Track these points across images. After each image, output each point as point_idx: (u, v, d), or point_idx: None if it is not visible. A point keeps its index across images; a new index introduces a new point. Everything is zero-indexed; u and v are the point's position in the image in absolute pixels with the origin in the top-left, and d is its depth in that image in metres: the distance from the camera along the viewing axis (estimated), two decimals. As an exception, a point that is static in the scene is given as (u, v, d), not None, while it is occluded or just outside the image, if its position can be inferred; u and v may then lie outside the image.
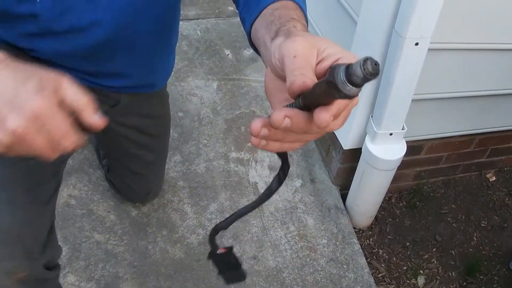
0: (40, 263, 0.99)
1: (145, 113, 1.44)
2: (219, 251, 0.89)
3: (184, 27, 2.73)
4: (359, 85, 0.43)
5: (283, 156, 0.65)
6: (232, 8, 3.05)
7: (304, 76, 0.50)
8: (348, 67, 0.43)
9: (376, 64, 0.42)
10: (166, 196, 1.94)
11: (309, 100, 0.50)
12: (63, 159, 1.18)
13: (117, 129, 1.43)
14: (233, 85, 2.47)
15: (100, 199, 1.90)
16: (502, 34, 1.69)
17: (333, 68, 0.45)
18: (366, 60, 0.42)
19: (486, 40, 1.68)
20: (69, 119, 0.60)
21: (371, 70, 0.42)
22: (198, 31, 2.75)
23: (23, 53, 1.09)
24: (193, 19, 2.84)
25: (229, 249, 0.90)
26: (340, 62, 0.52)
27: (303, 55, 0.53)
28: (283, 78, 0.56)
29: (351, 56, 0.53)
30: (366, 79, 0.43)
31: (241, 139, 2.21)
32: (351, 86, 0.44)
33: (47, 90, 0.58)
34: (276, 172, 0.68)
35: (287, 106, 0.54)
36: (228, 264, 0.93)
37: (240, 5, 0.86)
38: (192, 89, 2.40)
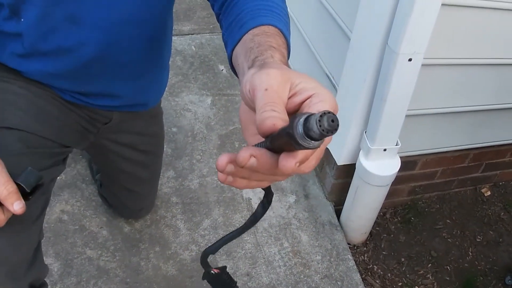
0: (25, 283, 0.98)
1: (138, 130, 1.44)
2: (213, 271, 0.89)
3: (178, 42, 2.73)
4: (317, 140, 0.43)
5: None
6: (226, 23, 3.05)
7: (274, 118, 0.49)
8: (306, 120, 0.42)
9: (333, 120, 0.41)
10: (159, 212, 1.93)
11: (274, 143, 0.49)
12: (52, 178, 1.17)
13: (109, 146, 1.42)
14: (227, 101, 2.46)
15: (93, 215, 1.88)
16: (496, 49, 1.69)
17: (293, 118, 0.44)
18: (322, 115, 0.41)
19: (479, 55, 1.68)
20: None
21: (326, 127, 0.41)
22: (192, 46, 2.75)
23: (16, 72, 1.09)
24: (188, 34, 2.84)
25: (223, 269, 0.90)
26: (313, 99, 0.51)
27: (275, 89, 0.51)
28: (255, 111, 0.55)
29: (326, 93, 0.52)
30: (323, 136, 0.42)
31: (235, 154, 2.19)
32: (309, 140, 0.43)
33: None
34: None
35: (256, 145, 0.52)
36: (222, 284, 0.93)
37: (223, 27, 0.85)
38: (186, 104, 2.39)
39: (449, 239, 2.10)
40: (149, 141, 1.51)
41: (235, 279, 0.93)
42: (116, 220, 1.88)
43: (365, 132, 1.71)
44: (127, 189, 1.63)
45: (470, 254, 2.06)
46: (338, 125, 0.42)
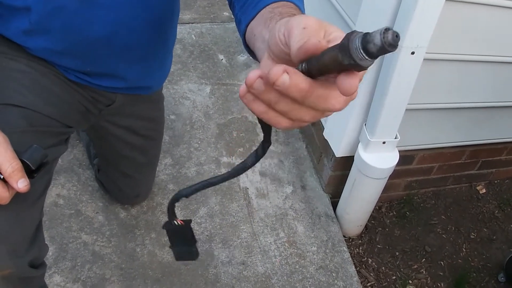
0: (25, 261, 0.98)
1: (140, 114, 1.43)
2: (176, 222, 0.83)
3: (178, 30, 2.70)
4: (373, 56, 0.40)
5: (267, 130, 0.60)
6: (227, 13, 3.05)
7: (317, 39, 0.46)
8: (367, 34, 0.40)
9: (397, 36, 0.39)
10: (155, 198, 1.92)
11: (313, 66, 0.46)
12: (54, 158, 1.16)
13: (110, 129, 1.41)
14: (226, 90, 2.46)
15: (89, 200, 1.88)
16: (498, 47, 1.70)
17: (349, 34, 0.42)
18: (387, 29, 0.39)
19: (482, 52, 1.69)
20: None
21: (390, 41, 0.39)
22: (192, 35, 2.75)
23: (21, 49, 1.08)
24: (188, 23, 2.83)
25: (187, 222, 0.85)
26: None
27: (314, 28, 0.49)
28: (282, 61, 0.53)
29: None
30: (383, 50, 0.39)
31: (233, 144, 2.20)
32: (364, 55, 0.41)
33: None
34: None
35: None
36: (183, 239, 0.88)
37: (236, 8, 0.85)
38: (185, 93, 2.39)
39: (443, 235, 2.11)
40: (150, 126, 1.51)
41: (196, 238, 0.87)
42: (112, 206, 1.87)
43: (365, 124, 1.72)
44: (125, 174, 1.63)
45: (464, 250, 2.07)
46: (398, 44, 0.39)
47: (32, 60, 1.10)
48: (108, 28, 1.05)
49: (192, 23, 2.85)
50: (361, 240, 2.03)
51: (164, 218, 1.84)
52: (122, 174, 1.63)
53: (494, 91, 1.88)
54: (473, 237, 2.13)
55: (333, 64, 0.44)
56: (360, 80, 0.47)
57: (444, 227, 2.14)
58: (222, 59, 2.65)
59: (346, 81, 0.43)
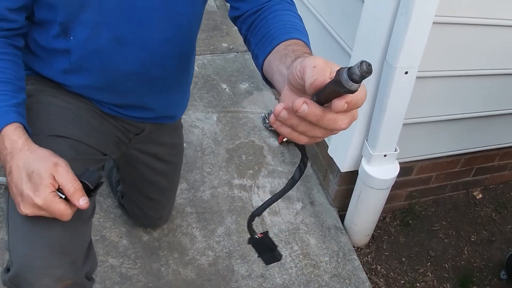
0: (83, 272, 1.11)
1: (164, 141, 1.58)
2: (257, 236, 0.99)
3: (182, 63, 2.89)
4: (357, 82, 0.57)
5: (302, 149, 0.80)
6: (225, 44, 3.22)
7: (322, 78, 0.63)
8: (349, 69, 0.57)
9: (369, 65, 0.56)
10: (175, 221, 2.05)
11: (321, 96, 0.63)
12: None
13: (138, 155, 1.56)
14: (232, 117, 2.61)
15: (112, 226, 2.00)
16: (483, 61, 1.86)
17: (338, 71, 0.58)
18: (362, 62, 0.55)
19: (468, 67, 1.84)
20: (62, 199, 0.95)
21: (365, 69, 0.55)
22: (195, 67, 2.90)
23: (60, 86, 1.23)
24: (190, 56, 2.99)
25: (266, 234, 1.00)
26: None
27: (322, 67, 0.65)
28: (299, 89, 0.70)
29: None
30: (362, 77, 0.56)
31: (243, 166, 2.34)
32: (352, 82, 0.57)
33: (42, 187, 0.92)
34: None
35: None
36: (265, 247, 1.03)
37: (252, 44, 1.03)
38: (193, 121, 2.54)
39: (445, 239, 2.25)
40: (172, 151, 1.66)
41: (276, 244, 1.03)
42: (135, 230, 2.00)
43: (367, 140, 1.87)
44: (149, 198, 1.77)
45: (466, 252, 2.21)
46: (372, 69, 0.56)
47: (70, 96, 1.25)
48: (139, 65, 1.20)
49: (194, 55, 3.01)
50: (369, 249, 2.16)
51: (184, 239, 1.98)
52: (147, 197, 1.76)
53: (483, 102, 2.03)
54: (473, 239, 2.27)
55: (333, 94, 0.61)
56: (360, 105, 0.64)
57: (445, 232, 2.28)
58: (225, 88, 2.81)
59: (337, 103, 0.61)
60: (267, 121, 2.56)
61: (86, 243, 1.14)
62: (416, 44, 1.57)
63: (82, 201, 0.96)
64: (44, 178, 0.92)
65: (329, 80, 0.62)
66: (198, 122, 2.55)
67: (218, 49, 3.17)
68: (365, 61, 0.56)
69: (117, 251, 1.92)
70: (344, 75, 0.57)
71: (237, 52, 3.18)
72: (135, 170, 1.63)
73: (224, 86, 2.83)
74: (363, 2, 1.70)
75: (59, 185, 0.95)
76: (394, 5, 1.53)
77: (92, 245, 1.18)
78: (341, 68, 0.59)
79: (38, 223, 0.99)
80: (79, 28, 1.11)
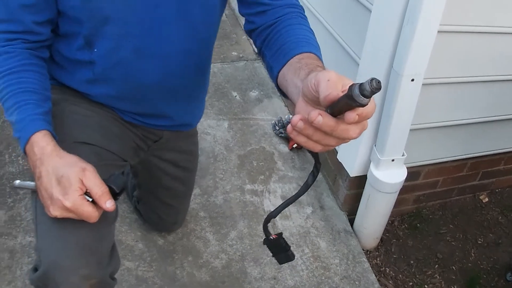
0: (108, 272, 1.17)
1: (181, 148, 1.65)
2: (272, 237, 1.05)
3: (193, 72, 2.96)
4: (368, 96, 0.63)
5: (315, 156, 0.87)
6: (235, 53, 3.29)
7: (336, 92, 0.70)
8: (361, 85, 0.63)
9: (378, 82, 0.62)
10: (189, 225, 2.12)
11: (335, 109, 0.70)
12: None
13: (155, 162, 1.63)
14: (243, 124, 2.68)
15: (128, 230, 2.07)
16: (487, 67, 1.91)
17: (350, 87, 0.65)
18: (372, 80, 0.62)
19: (473, 74, 1.90)
20: (89, 202, 1.01)
21: (375, 86, 0.62)
22: (207, 76, 2.98)
23: (83, 96, 1.30)
24: (201, 65, 3.07)
25: (280, 235, 1.06)
26: None
27: (334, 81, 0.71)
28: (313, 101, 0.77)
29: None
30: (372, 92, 0.62)
31: (254, 172, 2.41)
32: (362, 97, 0.64)
33: (71, 190, 0.98)
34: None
35: None
36: (279, 248, 1.08)
37: (267, 56, 1.11)
38: (205, 129, 2.61)
39: (452, 242, 2.30)
40: (188, 158, 1.72)
41: (289, 244, 1.08)
42: (150, 234, 2.07)
43: (375, 145, 1.93)
44: (165, 203, 1.83)
45: (473, 255, 2.25)
46: (381, 86, 0.62)
47: (93, 104, 1.32)
48: (159, 75, 1.27)
49: (205, 64, 3.08)
50: (378, 252, 2.22)
51: (198, 243, 2.04)
52: (163, 203, 1.83)
53: (488, 107, 2.08)
54: (480, 242, 2.32)
55: (345, 107, 0.68)
56: (370, 116, 0.71)
57: (452, 235, 2.33)
58: (235, 96, 2.88)
59: (349, 115, 0.67)
60: (277, 128, 2.62)
61: (110, 244, 1.20)
62: (422, 52, 1.62)
63: (108, 204, 1.02)
64: (73, 182, 0.99)
65: (341, 94, 0.68)
66: (210, 129, 2.62)
67: (228, 58, 3.25)
68: (375, 78, 0.62)
69: (133, 255, 1.98)
70: (356, 91, 0.63)
71: (247, 61, 3.25)
72: (153, 175, 1.70)
73: (235, 93, 2.90)
74: (371, 12, 1.76)
75: (86, 189, 1.01)
76: (400, 15, 1.59)
77: (115, 246, 1.24)
78: (353, 84, 0.65)
79: (66, 225, 1.05)
80: (103, 40, 1.17)
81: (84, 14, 1.12)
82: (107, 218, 1.13)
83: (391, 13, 1.63)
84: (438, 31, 1.60)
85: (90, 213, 1.00)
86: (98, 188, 1.01)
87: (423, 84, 1.72)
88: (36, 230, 1.13)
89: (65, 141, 1.14)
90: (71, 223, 1.05)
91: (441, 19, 1.56)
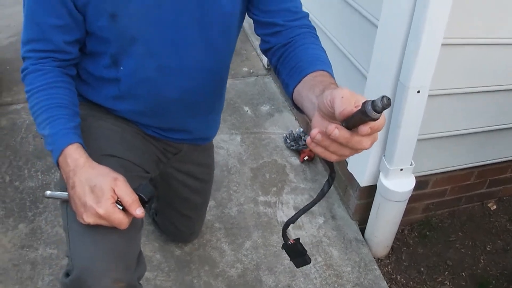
0: (135, 276, 1.24)
1: (198, 161, 1.73)
2: (290, 242, 1.13)
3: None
4: (379, 112, 0.72)
5: (330, 165, 0.96)
6: (246, 68, 3.38)
7: (350, 107, 0.78)
8: (373, 102, 0.72)
9: (389, 99, 0.71)
10: (205, 236, 2.19)
11: (349, 123, 0.78)
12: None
13: (174, 174, 1.70)
14: (255, 138, 2.76)
15: (146, 241, 2.14)
16: (491, 78, 1.97)
17: (364, 103, 0.74)
18: (383, 97, 0.71)
19: (477, 84, 1.96)
20: (120, 210, 1.08)
21: (386, 103, 0.70)
22: (218, 91, 3.06)
23: (107, 111, 1.38)
24: (213, 81, 3.16)
25: (297, 240, 1.15)
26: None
27: (348, 98, 0.80)
28: (329, 116, 0.85)
29: None
30: (384, 108, 0.71)
31: (267, 184, 2.48)
32: (375, 112, 0.72)
33: (104, 198, 1.05)
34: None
35: None
36: (296, 252, 1.17)
37: (283, 74, 1.20)
38: (218, 143, 2.69)
39: (462, 250, 2.35)
40: (205, 170, 1.80)
41: (306, 249, 1.16)
42: (168, 245, 2.14)
43: (384, 155, 1.99)
44: (182, 214, 1.91)
45: (482, 261, 2.31)
46: (391, 103, 0.71)
47: (117, 119, 1.40)
48: (181, 91, 1.35)
49: (216, 81, 3.17)
50: (389, 260, 2.27)
51: (214, 253, 2.11)
52: (180, 214, 1.90)
53: (493, 116, 2.13)
54: (489, 249, 2.37)
55: (359, 121, 0.76)
56: (381, 129, 0.79)
57: (462, 242, 2.38)
58: (247, 111, 2.96)
59: (362, 128, 0.76)
60: (288, 141, 2.69)
61: (138, 249, 1.28)
62: (427, 65, 1.70)
63: (138, 211, 1.09)
64: (105, 191, 1.06)
65: (355, 109, 0.77)
66: (223, 143, 2.70)
67: (239, 74, 3.33)
68: (386, 96, 0.71)
69: (151, 265, 2.05)
70: (369, 107, 0.72)
71: (257, 76, 3.34)
72: (171, 187, 1.77)
73: (246, 108, 2.98)
74: (377, 27, 1.84)
75: (118, 198, 1.09)
76: (405, 29, 1.67)
77: (142, 252, 1.32)
78: (366, 100, 0.74)
79: (98, 231, 1.12)
80: (129, 59, 1.25)
81: (112, 34, 1.20)
82: (135, 225, 1.20)
83: (396, 28, 1.71)
84: (442, 44, 1.67)
85: (121, 220, 1.08)
86: (129, 196, 1.09)
87: (429, 96, 1.79)
88: (68, 237, 1.21)
89: (93, 154, 1.21)
90: (102, 229, 1.12)
91: (444, 32, 1.64)
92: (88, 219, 1.08)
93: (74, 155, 1.11)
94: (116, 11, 1.16)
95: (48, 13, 1.17)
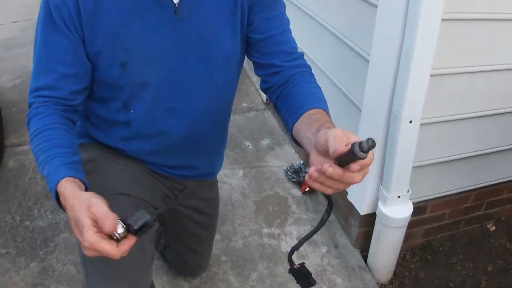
0: None
1: (204, 196, 1.81)
2: (296, 266, 1.21)
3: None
4: (366, 152, 0.82)
5: (328, 197, 1.06)
6: (245, 104, 3.48)
7: (342, 147, 0.87)
8: (360, 143, 0.82)
9: (373, 141, 0.81)
10: (212, 269, 2.25)
11: (341, 161, 0.88)
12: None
13: (182, 210, 1.78)
14: (257, 172, 2.84)
15: (155, 276, 2.18)
16: (480, 103, 2.06)
17: (352, 145, 0.84)
18: (368, 139, 0.81)
19: (467, 111, 2.05)
20: (105, 240, 1.00)
21: (371, 144, 0.81)
22: (219, 128, 3.15)
23: (117, 151, 1.46)
24: (214, 118, 3.25)
25: (302, 264, 1.23)
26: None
27: (340, 137, 0.89)
28: (324, 152, 0.93)
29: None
30: (369, 149, 0.81)
31: (270, 217, 2.55)
32: (362, 153, 0.82)
33: (84, 231, 0.97)
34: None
35: None
36: (302, 275, 1.24)
37: (282, 111, 1.29)
38: (221, 178, 2.76)
39: (463, 271, 2.40)
40: (210, 205, 1.88)
41: (310, 272, 1.24)
42: (176, 280, 2.19)
43: (381, 184, 2.07)
44: (190, 249, 1.98)
45: (484, 282, 2.36)
46: (375, 144, 0.81)
47: (126, 158, 1.48)
48: (187, 131, 1.44)
49: (217, 117, 3.27)
50: (392, 285, 2.33)
51: (222, 285, 2.16)
52: (188, 249, 1.97)
53: (484, 140, 2.21)
54: (490, 269, 2.42)
55: (350, 160, 0.86)
56: (369, 165, 0.89)
57: (463, 264, 2.44)
58: (248, 145, 3.05)
59: (353, 166, 0.85)
60: (289, 173, 2.77)
61: (149, 280, 1.35)
62: (417, 96, 1.78)
63: (118, 230, 0.99)
64: (84, 223, 0.98)
65: (346, 148, 0.86)
66: (226, 178, 2.78)
67: (239, 109, 3.43)
68: (371, 138, 0.81)
69: (161, 300, 2.11)
70: (356, 148, 0.82)
71: (257, 111, 3.44)
72: (179, 223, 1.85)
73: (247, 143, 3.07)
74: (369, 62, 1.94)
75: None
76: (395, 64, 1.76)
77: (153, 284, 1.39)
78: (354, 142, 0.84)
79: (111, 263, 1.12)
80: (139, 103, 1.33)
81: (123, 81, 1.27)
82: (145, 257, 1.28)
83: (387, 62, 1.80)
84: (431, 75, 1.76)
85: (108, 249, 0.97)
86: (103, 216, 0.99)
87: (421, 124, 1.88)
88: (86, 271, 1.28)
89: (106, 193, 1.24)
90: (116, 263, 1.11)
91: (432, 64, 1.73)
92: (86, 252, 1.02)
93: (62, 190, 1.06)
94: (127, 59, 1.23)
95: (60, 61, 1.20)
